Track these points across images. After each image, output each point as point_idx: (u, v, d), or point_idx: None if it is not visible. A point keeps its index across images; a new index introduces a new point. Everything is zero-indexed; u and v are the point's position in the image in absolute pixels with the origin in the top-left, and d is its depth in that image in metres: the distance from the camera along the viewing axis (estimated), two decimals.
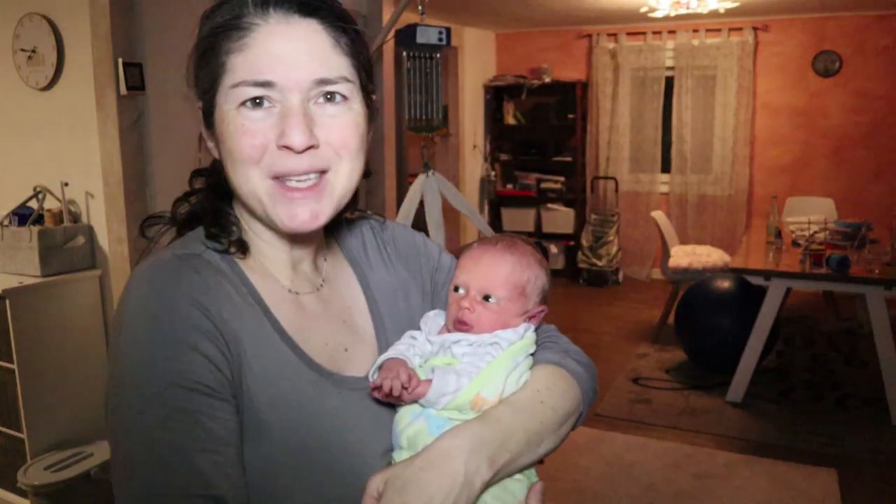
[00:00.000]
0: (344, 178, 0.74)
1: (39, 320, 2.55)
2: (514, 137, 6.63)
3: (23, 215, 2.68)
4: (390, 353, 0.82)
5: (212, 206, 0.79)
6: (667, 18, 5.14)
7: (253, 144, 0.70)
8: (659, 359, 4.41)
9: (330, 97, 0.72)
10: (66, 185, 2.70)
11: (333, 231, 0.91)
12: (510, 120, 6.51)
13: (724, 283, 4.07)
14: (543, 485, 0.80)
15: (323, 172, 0.73)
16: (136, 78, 2.58)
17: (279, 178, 0.71)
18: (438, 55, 2.93)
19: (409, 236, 0.97)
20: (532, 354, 0.86)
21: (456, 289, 0.86)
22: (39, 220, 2.68)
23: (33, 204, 2.71)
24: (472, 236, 5.94)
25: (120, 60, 2.53)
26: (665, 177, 6.27)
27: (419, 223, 3.31)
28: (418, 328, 0.87)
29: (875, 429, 3.42)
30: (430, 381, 0.77)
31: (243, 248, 0.78)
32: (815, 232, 4.04)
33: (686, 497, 2.84)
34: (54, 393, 2.60)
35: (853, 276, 3.48)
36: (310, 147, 0.70)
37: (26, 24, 2.72)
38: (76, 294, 2.68)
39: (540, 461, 0.81)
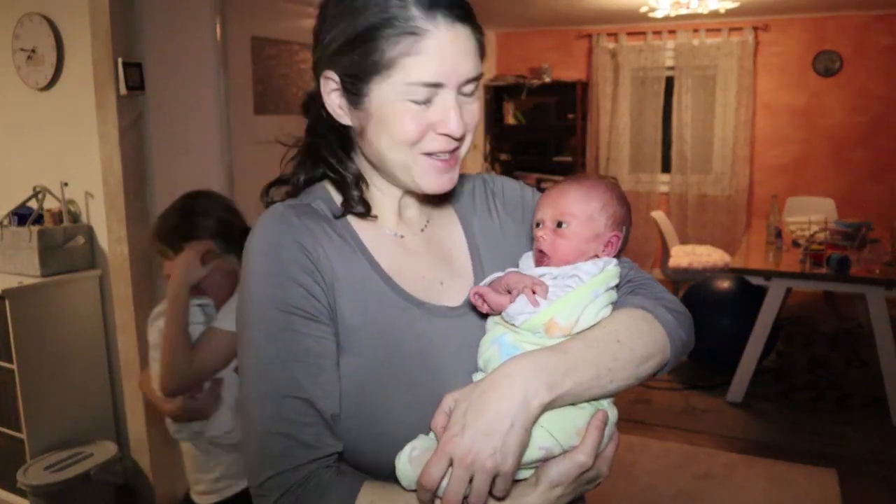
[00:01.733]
0: (466, 148, 0.88)
1: (39, 320, 2.55)
2: (514, 137, 6.63)
3: (22, 215, 2.67)
4: (497, 275, 0.90)
5: (340, 166, 0.91)
6: (667, 18, 5.14)
7: (418, 130, 0.81)
8: None
9: (469, 91, 0.84)
10: (66, 185, 2.70)
11: None
12: (510, 120, 6.51)
13: (724, 283, 4.07)
14: (607, 414, 0.83)
15: (458, 148, 0.86)
16: (135, 78, 2.58)
17: (429, 154, 0.84)
18: None
19: (516, 188, 1.06)
20: (616, 288, 0.90)
21: (537, 225, 0.93)
22: (39, 220, 2.68)
23: (33, 204, 2.71)
24: None
25: (120, 60, 2.53)
26: (665, 177, 6.27)
27: None
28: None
29: (875, 429, 3.42)
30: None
31: (366, 206, 0.90)
32: (816, 232, 4.04)
33: (686, 497, 2.84)
34: (54, 393, 2.60)
35: (853, 276, 3.48)
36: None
37: (26, 24, 2.72)
38: (76, 294, 2.67)
39: (610, 396, 0.84)
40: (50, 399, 2.59)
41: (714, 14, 4.98)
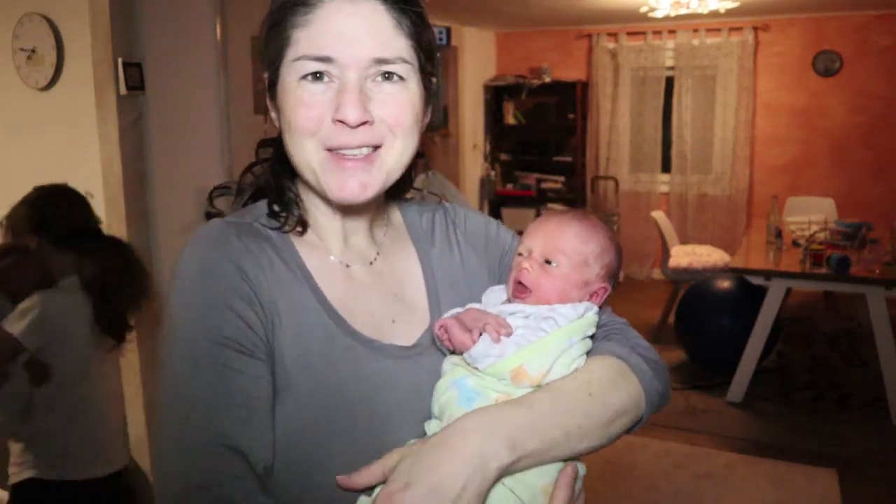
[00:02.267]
0: (396, 153, 0.76)
1: None
2: (514, 137, 6.63)
3: None
4: (458, 311, 0.82)
5: (276, 182, 0.82)
6: (667, 18, 5.14)
7: (310, 116, 0.72)
8: None
9: (387, 76, 0.74)
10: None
11: (400, 208, 0.93)
12: (510, 120, 6.51)
13: (724, 283, 4.07)
14: (577, 468, 0.75)
15: (376, 147, 0.75)
16: (135, 78, 2.58)
17: (333, 150, 0.74)
18: (438, 55, 2.93)
19: (480, 221, 0.97)
20: (591, 337, 0.82)
21: (521, 253, 0.85)
22: None
23: None
24: None
25: (120, 60, 2.53)
26: (665, 177, 6.27)
27: None
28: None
29: (875, 429, 3.42)
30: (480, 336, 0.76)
31: (303, 225, 0.81)
32: (816, 232, 4.04)
33: (686, 497, 2.84)
34: None
35: (853, 276, 3.48)
36: (363, 123, 0.72)
37: (26, 24, 2.72)
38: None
39: (578, 458, 0.77)
40: None
41: (714, 14, 4.98)
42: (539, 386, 0.75)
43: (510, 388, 0.75)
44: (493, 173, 6.56)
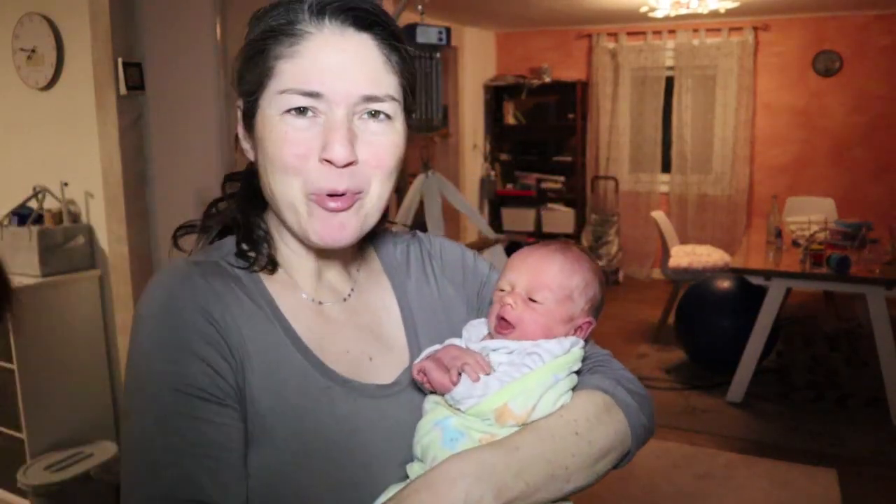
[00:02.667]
0: (374, 198, 0.74)
1: (39, 320, 2.55)
2: (514, 137, 6.63)
3: (22, 215, 2.67)
4: (436, 348, 0.79)
5: (244, 218, 0.78)
6: (667, 18, 5.14)
7: (296, 154, 0.69)
8: (659, 359, 4.41)
9: (374, 114, 0.71)
10: (66, 185, 2.70)
11: (373, 241, 0.90)
12: (510, 120, 6.51)
13: (724, 283, 4.07)
14: None
15: (358, 193, 0.72)
16: (135, 78, 2.58)
17: (317, 193, 0.71)
18: (438, 55, 2.93)
19: (456, 251, 0.94)
20: (577, 373, 0.80)
21: (502, 289, 0.83)
22: (39, 220, 2.68)
23: (33, 204, 2.71)
24: (472, 236, 5.94)
25: (120, 60, 2.53)
26: (665, 177, 6.27)
27: (419, 223, 3.31)
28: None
29: (875, 429, 3.42)
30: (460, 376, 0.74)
31: (273, 264, 0.77)
32: (816, 232, 4.04)
33: (686, 497, 2.84)
34: (54, 393, 2.60)
35: (853, 276, 3.48)
36: (349, 164, 0.69)
37: (26, 24, 2.72)
38: (76, 294, 2.67)
39: (565, 498, 0.74)
40: (50, 399, 2.59)
41: (714, 14, 4.98)
42: (524, 424, 0.72)
43: (494, 429, 0.72)
44: (493, 173, 6.57)
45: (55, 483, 2.40)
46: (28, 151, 2.85)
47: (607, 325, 5.02)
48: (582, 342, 0.81)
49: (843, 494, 2.83)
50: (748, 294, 3.92)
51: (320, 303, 0.79)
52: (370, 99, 0.70)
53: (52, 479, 2.41)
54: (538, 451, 0.69)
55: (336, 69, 0.68)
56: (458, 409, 0.73)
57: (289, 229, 0.75)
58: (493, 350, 0.78)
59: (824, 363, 4.30)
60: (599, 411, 0.75)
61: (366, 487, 0.71)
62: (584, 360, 0.83)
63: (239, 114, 0.76)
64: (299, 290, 0.78)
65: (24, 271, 2.61)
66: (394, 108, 0.72)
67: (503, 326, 0.80)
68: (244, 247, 0.77)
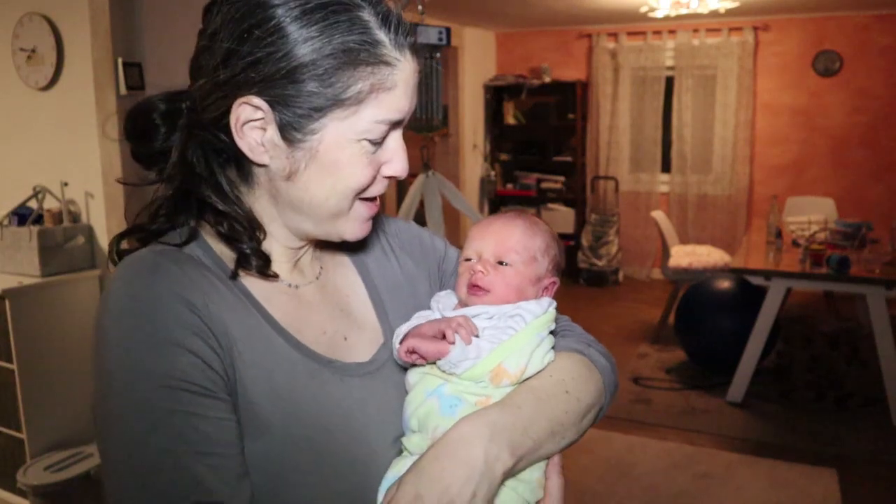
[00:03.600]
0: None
1: (39, 320, 2.55)
2: (514, 137, 6.63)
3: (22, 215, 2.68)
4: (410, 324, 0.80)
5: (247, 222, 0.73)
6: (667, 18, 5.15)
7: (370, 175, 0.72)
8: (659, 359, 4.41)
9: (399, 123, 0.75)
10: (66, 185, 2.70)
11: None
12: (510, 120, 6.51)
13: (724, 283, 4.07)
14: (560, 456, 0.78)
15: None
16: (135, 78, 2.58)
17: (370, 199, 0.75)
18: (438, 55, 2.93)
19: (412, 229, 0.96)
20: (552, 333, 0.83)
21: (468, 259, 0.85)
22: (39, 220, 2.68)
23: (33, 204, 2.71)
24: None
25: (120, 60, 2.53)
26: (665, 177, 6.27)
27: (419, 222, 3.31)
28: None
29: (875, 429, 3.42)
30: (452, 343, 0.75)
31: (265, 259, 0.74)
32: (816, 232, 4.04)
33: (686, 497, 2.84)
34: (54, 393, 2.60)
35: (853, 276, 3.48)
36: None
37: (26, 24, 2.72)
38: (76, 294, 2.68)
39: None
40: (50, 399, 2.59)
41: (714, 14, 4.98)
42: (517, 384, 0.75)
43: (489, 390, 0.75)
44: (493, 173, 6.57)
45: (55, 483, 2.40)
46: (28, 151, 2.85)
47: (607, 325, 5.02)
48: (554, 303, 0.84)
49: (843, 494, 2.83)
50: (748, 294, 3.92)
51: (296, 286, 0.78)
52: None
53: (52, 479, 2.41)
54: (538, 409, 0.72)
55: (413, 97, 0.73)
56: (454, 374, 0.75)
57: (308, 228, 0.74)
58: (474, 316, 0.80)
59: (824, 363, 4.30)
60: (582, 371, 0.80)
61: (362, 466, 0.72)
62: None
63: (255, 115, 0.68)
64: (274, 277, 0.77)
65: (24, 271, 2.61)
66: None
67: (476, 293, 0.82)
68: (246, 250, 0.73)
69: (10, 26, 2.75)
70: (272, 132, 0.68)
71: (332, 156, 0.69)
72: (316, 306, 0.79)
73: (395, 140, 0.73)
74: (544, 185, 6.45)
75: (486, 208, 6.55)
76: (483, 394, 0.74)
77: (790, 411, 3.64)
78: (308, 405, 0.70)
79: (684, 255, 4.80)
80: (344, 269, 0.86)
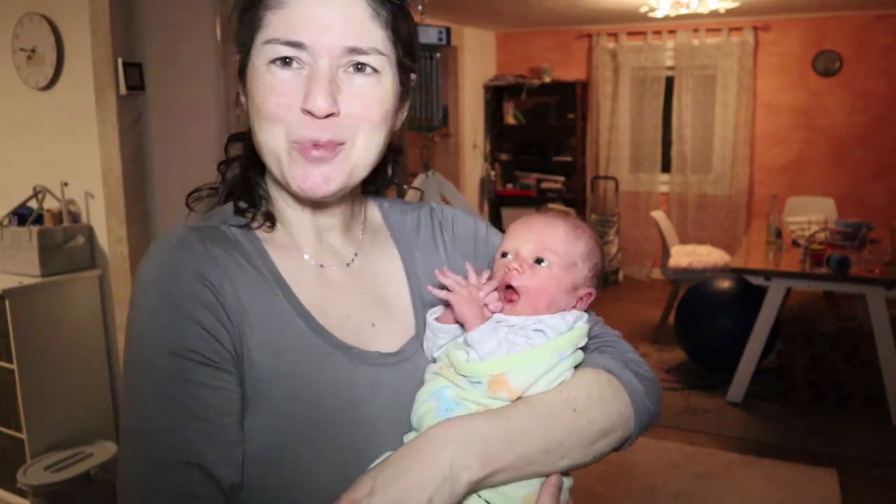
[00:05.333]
0: (361, 149, 0.73)
1: (39, 320, 2.55)
2: (514, 137, 6.63)
3: (22, 215, 2.67)
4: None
5: (243, 177, 0.80)
6: (667, 18, 5.15)
7: (279, 103, 0.69)
8: (659, 359, 4.41)
9: (360, 67, 0.71)
10: (66, 185, 2.70)
11: (382, 206, 0.90)
12: (510, 120, 6.51)
13: (725, 283, 4.07)
14: (560, 478, 0.72)
15: (341, 144, 0.72)
16: (135, 78, 2.58)
17: (298, 143, 0.71)
18: (438, 55, 2.93)
19: (469, 222, 0.92)
20: (583, 348, 0.78)
21: (504, 255, 0.80)
22: (39, 220, 2.68)
23: (33, 204, 2.71)
24: None
25: (120, 60, 2.53)
26: (665, 177, 6.27)
27: None
28: None
29: (875, 429, 3.42)
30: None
31: (271, 220, 0.78)
32: (816, 232, 4.04)
33: (686, 497, 2.84)
34: (54, 393, 2.60)
35: (853, 275, 3.48)
36: (330, 115, 0.69)
37: (26, 24, 2.72)
38: (76, 294, 2.67)
39: (565, 474, 0.73)
40: (50, 399, 2.59)
41: (714, 14, 4.98)
42: (517, 399, 0.72)
43: (488, 400, 0.71)
44: (493, 173, 6.57)
45: (55, 483, 2.40)
46: (28, 151, 2.85)
47: (608, 324, 4.99)
48: (585, 316, 0.79)
49: (843, 494, 2.83)
50: (748, 294, 3.92)
51: (322, 266, 0.79)
52: (354, 51, 0.69)
53: (52, 479, 2.41)
54: (532, 424, 0.68)
55: (320, 21, 0.68)
56: (468, 349, 0.72)
57: (276, 181, 0.76)
58: (497, 323, 0.76)
59: (824, 363, 4.30)
60: (602, 391, 0.74)
61: (363, 454, 0.71)
62: (592, 338, 0.82)
63: (237, 67, 0.76)
64: (301, 253, 0.78)
65: (24, 271, 2.61)
66: (381, 62, 0.71)
67: (509, 294, 0.77)
68: (241, 205, 0.78)
69: (10, 26, 2.75)
70: (238, 79, 0.75)
71: (251, 85, 0.72)
72: (344, 290, 0.79)
73: (313, 71, 0.69)
74: (544, 185, 6.44)
75: (485, 208, 6.55)
76: (484, 403, 0.71)
77: (790, 411, 3.64)
78: (313, 386, 0.71)
79: (684, 255, 4.80)
80: (387, 257, 0.85)
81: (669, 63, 6.08)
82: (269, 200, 0.79)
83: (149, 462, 0.65)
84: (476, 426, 0.66)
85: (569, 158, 6.36)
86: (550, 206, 6.40)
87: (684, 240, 5.91)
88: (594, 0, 4.94)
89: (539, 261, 0.78)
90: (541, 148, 6.51)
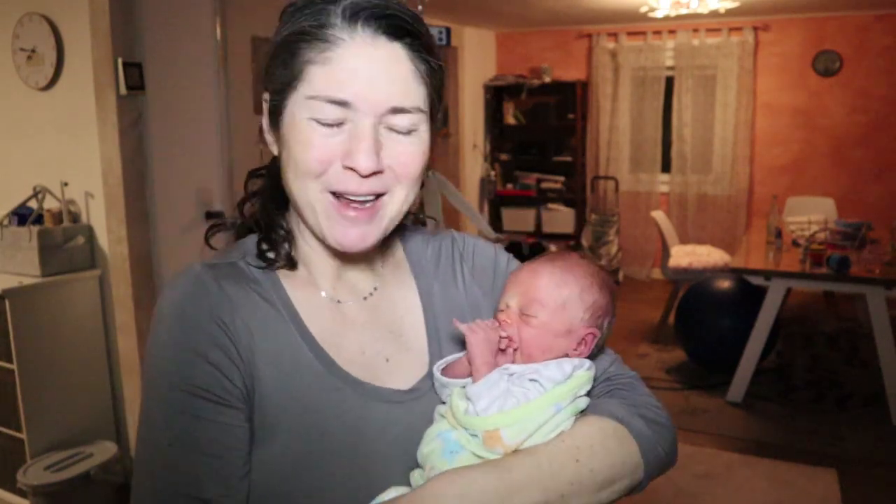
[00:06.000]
0: (398, 203, 0.73)
1: (39, 320, 2.55)
2: (514, 137, 6.62)
3: (22, 215, 2.67)
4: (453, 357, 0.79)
5: (266, 218, 0.79)
6: (667, 18, 5.14)
7: (319, 160, 0.69)
8: (659, 359, 4.41)
9: (402, 128, 0.71)
10: (66, 185, 2.70)
11: (403, 238, 0.89)
12: (510, 120, 6.51)
13: (724, 283, 4.07)
14: None
15: (380, 195, 0.72)
16: (135, 78, 2.58)
17: (337, 195, 0.71)
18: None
19: (489, 253, 0.92)
20: (588, 393, 0.77)
21: (501, 309, 0.81)
22: (39, 220, 2.68)
23: (33, 204, 2.70)
24: None
25: (120, 60, 2.53)
26: (665, 177, 6.27)
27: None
28: None
29: (875, 429, 3.42)
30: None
31: (292, 264, 0.78)
32: (816, 232, 4.04)
33: (686, 497, 2.84)
34: (54, 393, 2.60)
35: (853, 275, 3.48)
36: (374, 172, 0.69)
37: (26, 24, 2.71)
38: (76, 294, 2.67)
39: None
40: (50, 399, 2.59)
41: (714, 14, 4.98)
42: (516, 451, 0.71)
43: (485, 452, 0.70)
44: (493, 173, 6.56)
45: (55, 483, 2.40)
46: (28, 151, 2.85)
47: None
48: (586, 364, 0.77)
49: (843, 494, 2.83)
50: (748, 294, 3.92)
51: (339, 301, 0.79)
52: (397, 110, 0.69)
53: (52, 479, 2.41)
54: (533, 475, 0.67)
55: (366, 78, 0.68)
56: (467, 398, 0.72)
57: (309, 228, 0.76)
58: (502, 371, 0.76)
59: (824, 363, 4.30)
60: (607, 439, 0.73)
61: (368, 490, 0.71)
62: (606, 380, 0.82)
63: (265, 107, 0.75)
64: (318, 289, 0.79)
65: (24, 271, 2.61)
66: (420, 119, 0.72)
67: (508, 343, 0.78)
68: (264, 247, 0.78)
69: (10, 26, 2.75)
70: (268, 119, 0.74)
71: (288, 136, 0.71)
72: (359, 325, 0.79)
73: (357, 128, 0.68)
74: (544, 185, 6.44)
75: (485, 208, 6.55)
76: (480, 455, 0.71)
77: (790, 411, 3.64)
78: (321, 421, 0.72)
79: (684, 255, 4.80)
80: (404, 290, 0.85)
81: (669, 63, 6.08)
82: (290, 238, 0.79)
83: (157, 493, 0.68)
84: (476, 479, 0.65)
85: (569, 158, 6.36)
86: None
87: (684, 240, 5.91)
88: (594, 0, 4.94)
89: (526, 313, 0.78)
90: (541, 148, 6.51)
